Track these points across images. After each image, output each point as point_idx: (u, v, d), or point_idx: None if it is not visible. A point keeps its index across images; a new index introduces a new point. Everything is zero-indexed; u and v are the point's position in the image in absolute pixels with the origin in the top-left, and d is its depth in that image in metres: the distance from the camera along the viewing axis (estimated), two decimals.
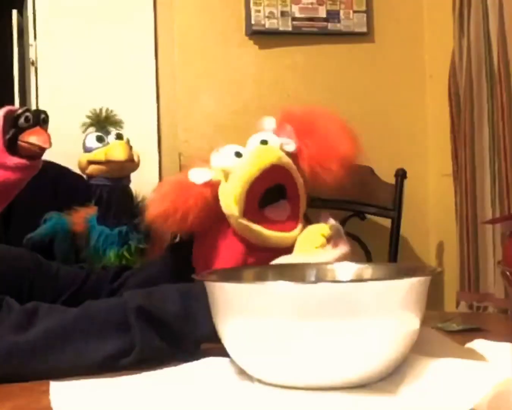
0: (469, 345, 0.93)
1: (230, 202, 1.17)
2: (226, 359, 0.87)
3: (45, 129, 1.25)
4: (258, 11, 2.40)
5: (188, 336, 0.94)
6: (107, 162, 1.37)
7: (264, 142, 1.20)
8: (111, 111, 1.43)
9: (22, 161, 1.21)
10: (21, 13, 2.72)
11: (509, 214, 1.92)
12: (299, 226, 1.20)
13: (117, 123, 1.42)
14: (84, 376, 0.87)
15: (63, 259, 1.40)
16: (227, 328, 0.81)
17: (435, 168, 2.53)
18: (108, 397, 0.79)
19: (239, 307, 0.78)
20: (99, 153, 1.38)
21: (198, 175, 1.19)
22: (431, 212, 2.56)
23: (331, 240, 1.13)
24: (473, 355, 0.88)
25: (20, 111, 1.23)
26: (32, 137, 1.21)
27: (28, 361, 0.88)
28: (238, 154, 1.19)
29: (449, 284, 2.36)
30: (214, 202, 1.18)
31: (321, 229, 1.15)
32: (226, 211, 1.19)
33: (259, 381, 0.80)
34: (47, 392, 0.80)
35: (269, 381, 0.79)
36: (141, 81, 2.37)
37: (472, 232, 2.12)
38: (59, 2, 2.33)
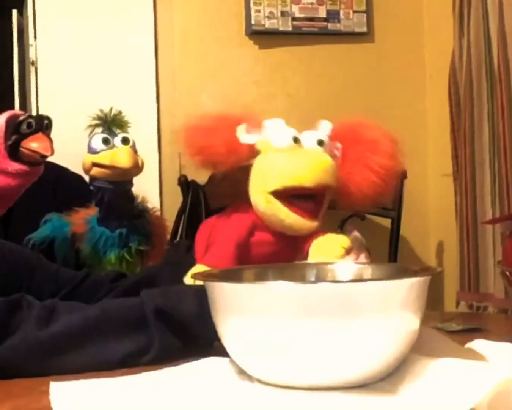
0: (469, 345, 0.93)
1: (271, 177, 1.21)
2: (226, 359, 0.87)
3: (48, 135, 1.24)
4: (258, 11, 2.40)
5: (203, 336, 0.95)
6: (111, 167, 1.36)
7: (320, 142, 1.24)
8: (119, 112, 1.42)
9: (23, 167, 1.20)
10: (21, 13, 2.72)
11: (509, 214, 1.92)
12: (317, 223, 1.21)
13: (124, 125, 1.41)
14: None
15: (63, 260, 1.40)
16: (227, 328, 0.81)
17: (435, 168, 2.53)
18: (108, 397, 0.79)
19: (239, 307, 0.78)
20: (104, 157, 1.36)
21: (246, 136, 1.23)
22: (431, 211, 2.56)
23: (351, 251, 1.14)
24: (473, 355, 0.88)
25: (22, 117, 1.22)
26: (33, 144, 1.20)
27: (48, 358, 0.90)
28: (296, 140, 1.23)
29: (449, 284, 2.36)
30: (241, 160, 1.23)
31: (341, 240, 1.16)
32: (256, 182, 1.22)
33: (259, 381, 0.80)
34: (47, 392, 0.80)
35: (269, 381, 0.79)
36: (141, 81, 2.37)
37: (472, 232, 2.12)
38: (59, 2, 2.33)
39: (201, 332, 0.95)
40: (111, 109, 1.40)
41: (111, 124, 1.39)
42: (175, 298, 0.98)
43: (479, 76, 2.11)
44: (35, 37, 2.33)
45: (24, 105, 2.73)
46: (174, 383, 0.83)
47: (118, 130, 1.39)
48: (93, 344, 0.92)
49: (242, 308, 0.78)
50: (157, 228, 1.46)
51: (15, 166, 1.20)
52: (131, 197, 1.44)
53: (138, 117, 1.97)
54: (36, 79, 2.33)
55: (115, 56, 2.35)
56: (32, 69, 2.36)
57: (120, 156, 1.34)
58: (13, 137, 1.20)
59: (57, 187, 1.70)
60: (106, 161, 1.36)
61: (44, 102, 2.31)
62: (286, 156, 1.22)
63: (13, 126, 1.20)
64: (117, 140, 1.38)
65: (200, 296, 0.96)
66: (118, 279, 1.23)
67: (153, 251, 1.45)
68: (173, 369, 0.89)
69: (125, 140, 1.38)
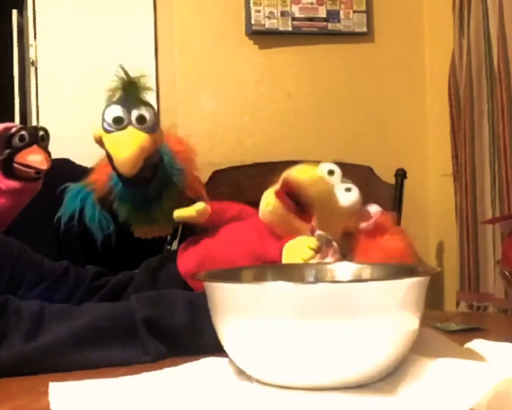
0: (469, 345, 0.93)
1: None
2: (225, 359, 0.87)
3: (44, 147, 1.15)
4: (258, 11, 2.40)
5: (193, 347, 0.96)
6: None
7: (331, 172, 1.24)
8: (141, 75, 1.27)
9: (16, 184, 1.11)
10: (21, 13, 2.72)
11: (509, 214, 1.92)
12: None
13: (144, 90, 1.27)
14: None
15: (100, 226, 1.28)
16: (227, 328, 0.81)
17: (435, 168, 2.53)
18: (108, 397, 0.79)
19: (238, 307, 0.78)
20: (109, 139, 1.20)
21: None
22: (431, 212, 2.56)
23: (320, 251, 1.14)
24: (473, 355, 0.88)
25: (14, 130, 1.13)
26: (28, 158, 1.12)
27: (36, 370, 0.90)
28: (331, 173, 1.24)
29: (449, 284, 2.36)
30: None
31: (308, 241, 1.15)
32: None
33: (259, 381, 0.80)
34: (46, 392, 0.80)
35: (269, 381, 0.79)
36: None
37: (472, 232, 2.12)
38: (59, 2, 2.33)
39: (192, 345, 0.96)
40: (130, 72, 1.25)
41: (129, 87, 1.25)
42: (166, 307, 0.98)
43: (479, 76, 2.11)
44: (35, 37, 2.33)
45: (24, 105, 2.73)
46: (174, 383, 0.84)
47: (135, 108, 1.25)
48: (80, 356, 0.92)
49: (241, 308, 0.78)
50: (182, 162, 1.38)
51: (8, 183, 1.11)
52: (146, 180, 1.28)
53: None
54: (36, 79, 2.33)
55: (115, 56, 2.35)
56: (32, 69, 2.36)
57: (119, 149, 1.17)
58: (5, 152, 1.12)
59: (55, 188, 1.69)
60: (108, 146, 1.20)
61: (44, 102, 2.30)
62: None
63: (4, 139, 1.11)
64: (133, 116, 1.22)
65: (192, 305, 0.98)
66: (99, 276, 1.22)
67: (187, 181, 1.37)
68: (173, 369, 0.89)
69: (141, 120, 1.22)
